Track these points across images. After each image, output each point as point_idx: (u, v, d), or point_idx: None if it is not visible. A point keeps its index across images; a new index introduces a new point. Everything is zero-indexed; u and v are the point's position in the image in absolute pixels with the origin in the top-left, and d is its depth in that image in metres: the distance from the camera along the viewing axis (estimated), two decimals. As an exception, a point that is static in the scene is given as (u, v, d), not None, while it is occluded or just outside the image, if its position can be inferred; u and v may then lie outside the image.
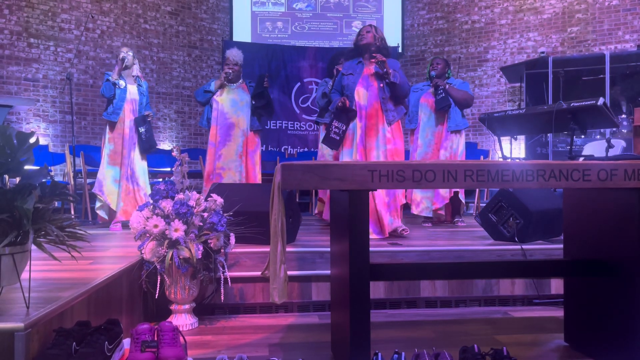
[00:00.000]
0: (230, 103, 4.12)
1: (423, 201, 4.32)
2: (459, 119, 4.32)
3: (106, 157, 4.06)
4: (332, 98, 3.55)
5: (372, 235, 3.28)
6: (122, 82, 4.06)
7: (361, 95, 3.39)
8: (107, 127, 4.09)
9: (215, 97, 4.13)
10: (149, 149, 4.19)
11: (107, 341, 1.62)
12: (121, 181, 4.04)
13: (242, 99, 4.16)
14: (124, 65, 4.12)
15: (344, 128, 3.36)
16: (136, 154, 4.13)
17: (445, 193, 4.26)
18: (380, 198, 3.33)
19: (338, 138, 3.37)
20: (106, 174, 4.05)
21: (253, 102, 4.17)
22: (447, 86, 4.25)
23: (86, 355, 1.50)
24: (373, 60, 3.36)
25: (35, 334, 1.40)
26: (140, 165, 4.15)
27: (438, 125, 4.31)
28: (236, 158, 4.07)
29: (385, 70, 3.33)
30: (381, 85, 3.38)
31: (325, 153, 4.29)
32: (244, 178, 4.09)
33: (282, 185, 1.59)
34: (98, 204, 4.13)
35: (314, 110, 8.06)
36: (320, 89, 4.58)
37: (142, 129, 4.09)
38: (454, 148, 4.31)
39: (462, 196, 4.42)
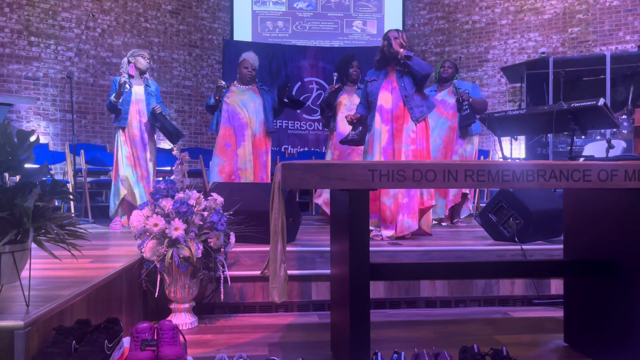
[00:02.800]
0: (241, 103, 4.11)
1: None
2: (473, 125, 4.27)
3: (124, 159, 4.10)
4: (358, 110, 3.60)
5: (381, 232, 3.29)
6: (127, 86, 4.07)
7: (386, 99, 3.36)
8: (120, 130, 4.14)
9: (224, 99, 4.12)
10: (171, 138, 4.24)
11: (106, 340, 1.62)
12: (140, 183, 4.12)
13: (253, 100, 4.15)
14: (140, 70, 4.19)
15: (359, 130, 3.51)
16: (147, 155, 4.17)
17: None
18: (394, 199, 3.29)
19: (357, 137, 3.53)
20: (127, 174, 4.09)
21: (275, 102, 4.26)
22: (470, 99, 4.16)
23: (86, 353, 1.50)
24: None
25: (35, 332, 1.40)
26: (151, 167, 4.21)
27: (448, 131, 4.26)
28: (251, 158, 4.08)
29: (396, 50, 3.27)
30: (402, 84, 3.35)
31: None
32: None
33: (282, 185, 1.59)
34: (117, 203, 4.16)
35: (314, 109, 8.07)
36: (324, 96, 4.60)
37: (157, 125, 4.15)
38: (467, 152, 4.28)
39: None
